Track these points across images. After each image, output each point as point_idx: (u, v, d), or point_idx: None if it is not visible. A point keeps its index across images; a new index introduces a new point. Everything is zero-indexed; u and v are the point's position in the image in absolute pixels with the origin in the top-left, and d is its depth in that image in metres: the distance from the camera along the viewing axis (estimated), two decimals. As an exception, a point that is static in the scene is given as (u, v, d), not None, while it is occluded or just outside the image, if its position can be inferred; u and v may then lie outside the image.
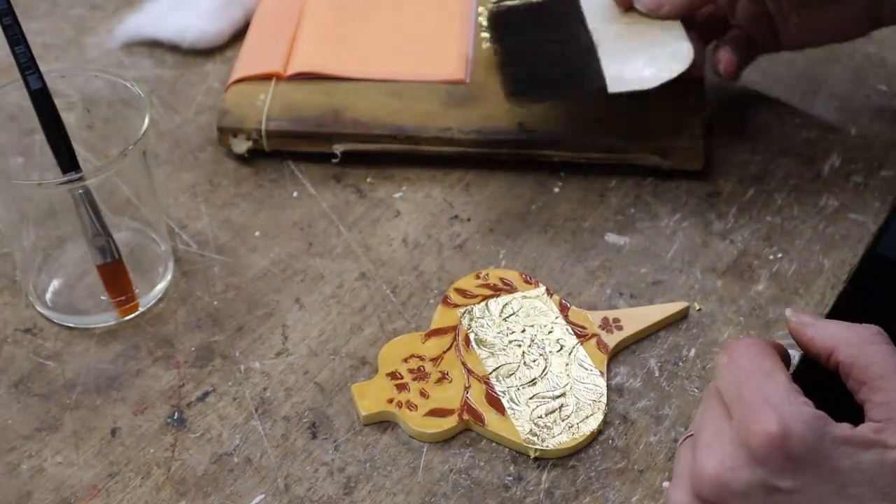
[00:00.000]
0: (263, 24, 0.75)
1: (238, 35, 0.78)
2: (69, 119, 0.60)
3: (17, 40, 0.53)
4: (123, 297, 0.59)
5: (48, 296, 0.60)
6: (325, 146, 0.67)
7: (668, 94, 0.64)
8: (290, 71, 0.69)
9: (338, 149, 0.67)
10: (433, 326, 0.58)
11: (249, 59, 0.71)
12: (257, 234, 0.64)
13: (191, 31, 0.76)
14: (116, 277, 0.58)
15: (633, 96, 0.62)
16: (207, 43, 0.76)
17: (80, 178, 0.54)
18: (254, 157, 0.68)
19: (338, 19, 0.74)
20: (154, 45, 0.78)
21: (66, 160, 0.55)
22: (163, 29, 0.77)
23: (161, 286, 0.60)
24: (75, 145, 0.57)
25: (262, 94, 0.68)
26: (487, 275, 0.60)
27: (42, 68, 0.74)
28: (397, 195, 0.66)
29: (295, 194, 0.67)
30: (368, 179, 0.67)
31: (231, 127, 0.67)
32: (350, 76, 0.69)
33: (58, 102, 0.59)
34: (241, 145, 0.67)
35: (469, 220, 0.65)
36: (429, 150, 0.67)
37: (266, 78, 0.69)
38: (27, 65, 0.53)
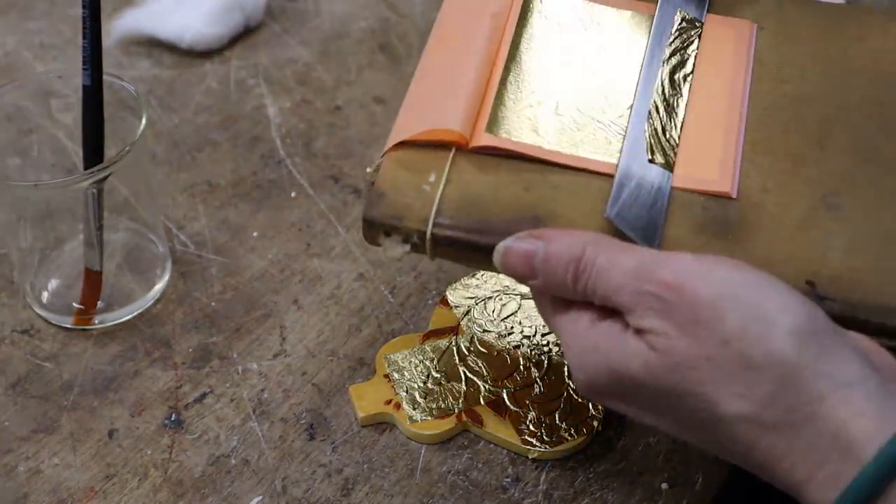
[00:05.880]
0: (439, 64, 0.51)
1: (237, 39, 0.78)
2: (66, 119, 0.60)
3: (85, 34, 0.54)
4: (91, 308, 0.59)
5: (45, 297, 0.60)
6: None
7: None
8: (480, 142, 0.48)
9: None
10: (431, 327, 0.58)
11: (419, 112, 0.49)
12: (255, 234, 0.64)
13: (189, 33, 0.76)
14: (94, 288, 0.59)
15: None
16: (205, 45, 0.76)
17: (77, 180, 0.54)
18: (250, 157, 0.68)
19: (552, 80, 0.51)
20: (152, 45, 0.77)
21: (92, 161, 0.56)
22: (162, 27, 0.77)
23: (159, 287, 0.60)
24: (73, 146, 0.57)
25: (434, 172, 0.47)
26: (485, 275, 0.60)
27: (39, 68, 0.75)
28: (396, 195, 0.66)
29: (293, 195, 0.66)
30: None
31: (385, 223, 0.46)
32: (563, 162, 0.47)
33: (55, 103, 0.59)
34: (396, 249, 0.47)
35: (467, 220, 0.65)
36: None
37: (441, 146, 0.48)
38: (84, 59, 0.55)
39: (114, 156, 0.54)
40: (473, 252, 0.46)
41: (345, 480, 0.52)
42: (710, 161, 0.48)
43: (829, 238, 0.46)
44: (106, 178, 0.55)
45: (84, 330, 0.59)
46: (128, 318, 0.59)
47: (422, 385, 0.55)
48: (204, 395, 0.56)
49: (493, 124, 0.48)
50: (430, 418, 0.53)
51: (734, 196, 0.47)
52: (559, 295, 0.43)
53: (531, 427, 0.53)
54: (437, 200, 0.46)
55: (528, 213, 0.46)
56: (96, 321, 0.59)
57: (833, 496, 0.37)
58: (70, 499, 0.51)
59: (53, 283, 0.61)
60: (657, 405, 0.41)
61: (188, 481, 0.52)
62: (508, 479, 0.52)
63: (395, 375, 0.55)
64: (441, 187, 0.46)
